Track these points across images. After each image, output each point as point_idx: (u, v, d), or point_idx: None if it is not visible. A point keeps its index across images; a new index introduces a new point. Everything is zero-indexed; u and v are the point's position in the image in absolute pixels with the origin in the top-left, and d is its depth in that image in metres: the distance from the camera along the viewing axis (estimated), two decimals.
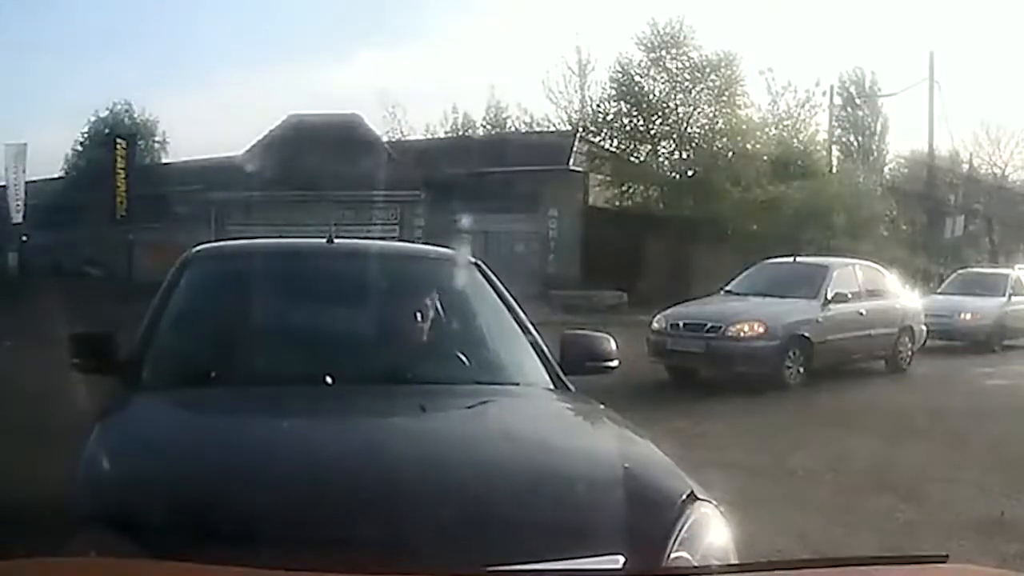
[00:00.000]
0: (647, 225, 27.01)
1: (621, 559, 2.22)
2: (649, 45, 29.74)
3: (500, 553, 2.15)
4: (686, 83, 29.46)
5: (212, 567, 1.32)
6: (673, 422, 9.24)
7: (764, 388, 11.05)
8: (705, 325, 11.74)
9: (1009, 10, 47.72)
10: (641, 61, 29.91)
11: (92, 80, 55.51)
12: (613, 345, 3.79)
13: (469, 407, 3.22)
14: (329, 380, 3.06)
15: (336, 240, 4.05)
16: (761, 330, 11.56)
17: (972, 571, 1.86)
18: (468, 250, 4.77)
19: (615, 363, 3.77)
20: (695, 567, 2.31)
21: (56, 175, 37.28)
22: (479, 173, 28.44)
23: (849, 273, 13.33)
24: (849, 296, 12.67)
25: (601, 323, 20.65)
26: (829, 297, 12.39)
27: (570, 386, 3.46)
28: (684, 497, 2.48)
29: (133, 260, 29.66)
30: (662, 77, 29.75)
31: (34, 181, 31.46)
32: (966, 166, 38.48)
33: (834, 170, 32.15)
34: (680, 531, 2.38)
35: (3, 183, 30.73)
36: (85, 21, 53.72)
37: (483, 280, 3.83)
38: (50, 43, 52.38)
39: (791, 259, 14.04)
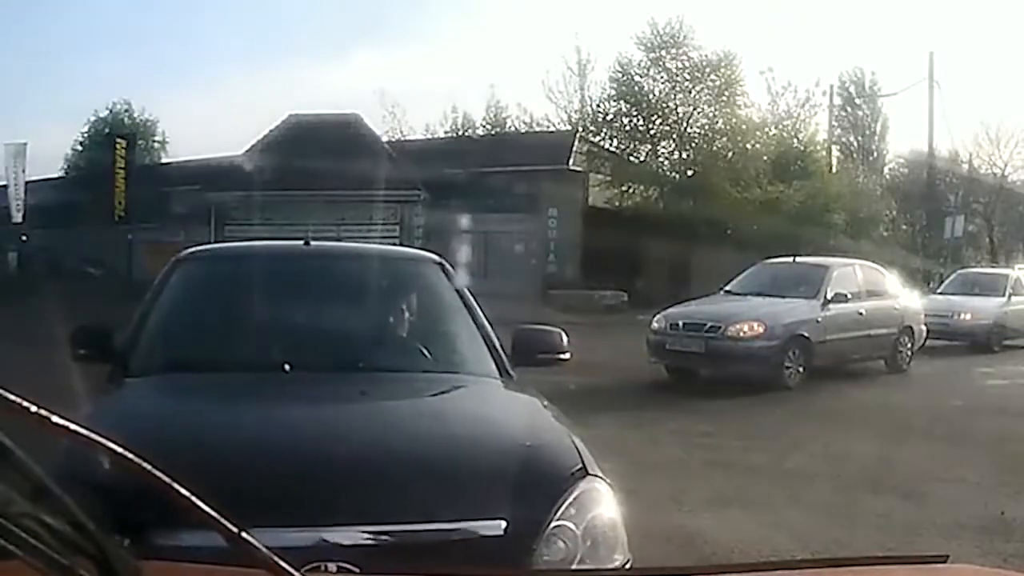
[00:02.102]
0: (647, 225, 26.98)
1: (503, 524, 2.53)
2: (649, 45, 29.77)
3: (390, 511, 2.51)
4: (686, 83, 29.47)
5: (203, 566, 1.31)
6: (673, 422, 9.24)
7: (764, 388, 11.04)
8: (705, 325, 11.73)
9: (1009, 10, 47.73)
10: (641, 61, 29.95)
11: (92, 80, 55.57)
12: (564, 339, 4.10)
13: (403, 391, 3.61)
14: (287, 367, 3.45)
15: (312, 243, 4.56)
16: (761, 330, 11.56)
17: (972, 571, 1.85)
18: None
19: (566, 355, 4.08)
20: (694, 567, 2.32)
21: (56, 175, 37.30)
22: (479, 173, 28.42)
23: (849, 273, 13.31)
24: (849, 296, 12.66)
25: (601, 323, 20.67)
26: (829, 297, 12.38)
27: (513, 375, 3.75)
28: (573, 472, 2.75)
29: (133, 260, 29.65)
30: (662, 77, 29.77)
31: (34, 181, 31.47)
32: (966, 166, 38.46)
33: (834, 170, 32.15)
34: (565, 502, 2.64)
35: (3, 183, 30.74)
36: (85, 21, 53.80)
37: (444, 278, 4.20)
38: (50, 43, 52.42)
39: (791, 259, 14.02)
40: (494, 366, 3.74)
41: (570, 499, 2.65)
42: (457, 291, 4.09)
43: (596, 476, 2.77)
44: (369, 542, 2.43)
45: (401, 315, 4.09)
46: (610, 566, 2.62)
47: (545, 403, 3.43)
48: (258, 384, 3.50)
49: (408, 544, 2.47)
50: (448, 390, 3.65)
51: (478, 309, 4.00)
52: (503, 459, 2.84)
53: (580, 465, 2.79)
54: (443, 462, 2.83)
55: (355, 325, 4.03)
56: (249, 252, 5.15)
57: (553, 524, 2.60)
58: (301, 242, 4.52)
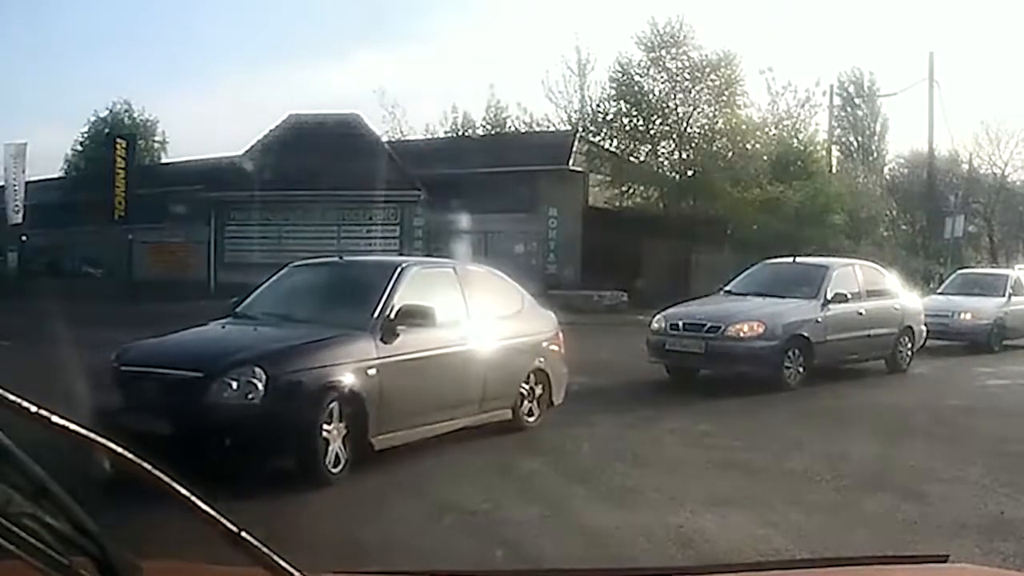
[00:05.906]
0: (647, 225, 26.98)
1: (202, 374, 6.18)
2: (649, 45, 29.75)
3: (181, 365, 6.37)
4: (686, 83, 29.45)
5: (203, 566, 1.31)
6: (673, 422, 9.24)
7: (764, 388, 11.03)
8: (705, 325, 11.71)
9: (1009, 10, 47.75)
10: (641, 61, 29.94)
11: (92, 80, 55.74)
12: (435, 312, 7.22)
13: (286, 329, 7.13)
14: (272, 319, 7.38)
15: (344, 258, 8.64)
16: (761, 330, 11.53)
17: (972, 571, 1.85)
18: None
19: (432, 320, 7.17)
20: (694, 567, 2.33)
21: (56, 175, 37.36)
22: (479, 173, 28.41)
23: (849, 273, 13.29)
24: (849, 296, 12.63)
25: (601, 323, 20.65)
26: (829, 297, 12.36)
27: (378, 331, 6.89)
28: (252, 363, 6.17)
29: (133, 260, 29.66)
30: (662, 77, 29.75)
31: (34, 181, 31.47)
32: (966, 166, 38.49)
33: (834, 170, 32.14)
34: (233, 370, 6.14)
35: (3, 183, 30.73)
36: (85, 21, 53.84)
37: (393, 275, 7.38)
38: (50, 43, 52.45)
39: (791, 259, 14.01)
40: (369, 324, 6.87)
41: (237, 369, 6.10)
42: (391, 283, 7.20)
43: (258, 367, 6.11)
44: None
45: (350, 296, 7.41)
46: (612, 565, 2.63)
47: (327, 341, 6.71)
48: (246, 324, 7.23)
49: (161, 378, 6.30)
50: (301, 332, 6.91)
51: (397, 292, 7.14)
52: (233, 352, 6.39)
53: (257, 358, 6.22)
54: (213, 350, 6.59)
55: (318, 303, 7.57)
56: (313, 263, 8.92)
57: (223, 379, 6.05)
58: (336, 257, 8.93)
